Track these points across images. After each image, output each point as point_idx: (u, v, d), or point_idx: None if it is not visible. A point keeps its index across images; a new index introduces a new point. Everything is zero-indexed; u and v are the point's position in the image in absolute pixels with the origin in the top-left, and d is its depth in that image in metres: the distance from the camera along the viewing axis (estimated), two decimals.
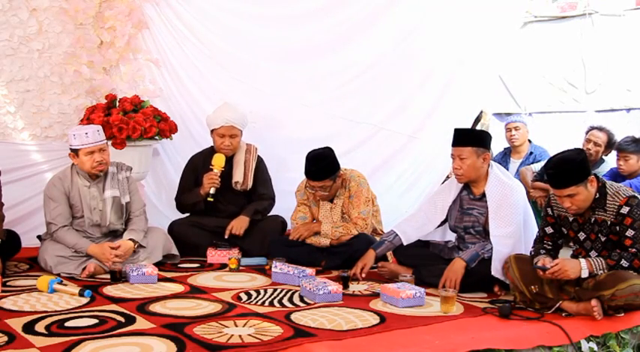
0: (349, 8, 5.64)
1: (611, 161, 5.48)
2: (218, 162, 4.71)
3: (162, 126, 4.90)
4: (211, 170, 4.70)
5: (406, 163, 6.04)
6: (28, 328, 2.97)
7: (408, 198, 5.90)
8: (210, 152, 4.92)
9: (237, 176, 4.85)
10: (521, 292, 3.43)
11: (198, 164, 4.91)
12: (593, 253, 3.41)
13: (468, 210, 3.99)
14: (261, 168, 5.00)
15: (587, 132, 5.54)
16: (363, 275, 3.99)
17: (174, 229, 4.74)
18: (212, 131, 4.89)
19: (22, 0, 4.87)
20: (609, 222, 3.33)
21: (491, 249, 3.73)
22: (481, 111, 6.76)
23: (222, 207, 4.88)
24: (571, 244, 3.60)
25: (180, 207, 4.95)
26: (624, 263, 3.23)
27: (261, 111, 5.47)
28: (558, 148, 3.59)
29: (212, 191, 4.65)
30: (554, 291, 3.36)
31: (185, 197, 4.87)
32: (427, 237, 4.21)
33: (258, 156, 5.00)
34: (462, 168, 3.85)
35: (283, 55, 5.59)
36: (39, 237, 4.35)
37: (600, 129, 5.47)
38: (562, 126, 8.04)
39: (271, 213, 4.99)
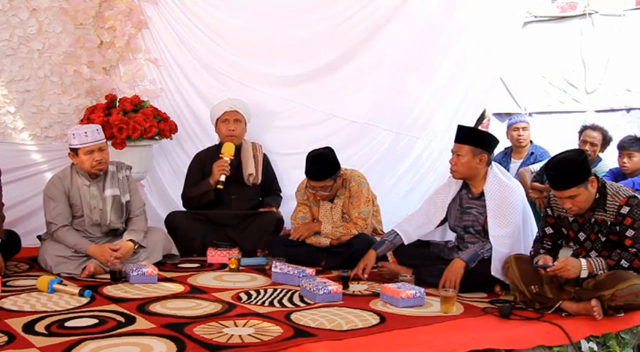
0: (349, 10, 5.64)
1: (607, 158, 5.47)
2: (228, 150, 4.76)
3: (162, 126, 4.90)
4: (221, 158, 4.73)
5: (407, 164, 6.03)
6: (28, 328, 2.97)
7: (409, 199, 5.88)
8: (215, 149, 4.97)
9: (250, 168, 4.90)
10: (521, 292, 3.43)
11: (205, 159, 4.93)
12: (593, 253, 3.41)
13: (467, 209, 3.99)
14: (268, 164, 5.11)
15: (580, 133, 5.51)
16: (365, 275, 4.00)
17: (169, 220, 4.74)
18: (217, 121, 4.94)
19: (22, 0, 4.87)
20: (609, 222, 3.33)
21: (491, 248, 3.73)
22: (484, 111, 6.75)
23: (229, 200, 4.89)
24: (571, 244, 3.59)
25: (189, 201, 4.92)
26: (624, 263, 3.23)
27: (261, 112, 5.46)
28: (558, 148, 3.59)
29: (222, 178, 4.65)
30: (554, 291, 3.36)
31: (194, 189, 4.87)
32: (427, 237, 4.21)
33: (264, 153, 5.10)
34: (456, 165, 3.89)
35: (285, 55, 5.58)
36: (39, 237, 4.35)
37: (594, 128, 5.45)
38: (562, 126, 8.03)
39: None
